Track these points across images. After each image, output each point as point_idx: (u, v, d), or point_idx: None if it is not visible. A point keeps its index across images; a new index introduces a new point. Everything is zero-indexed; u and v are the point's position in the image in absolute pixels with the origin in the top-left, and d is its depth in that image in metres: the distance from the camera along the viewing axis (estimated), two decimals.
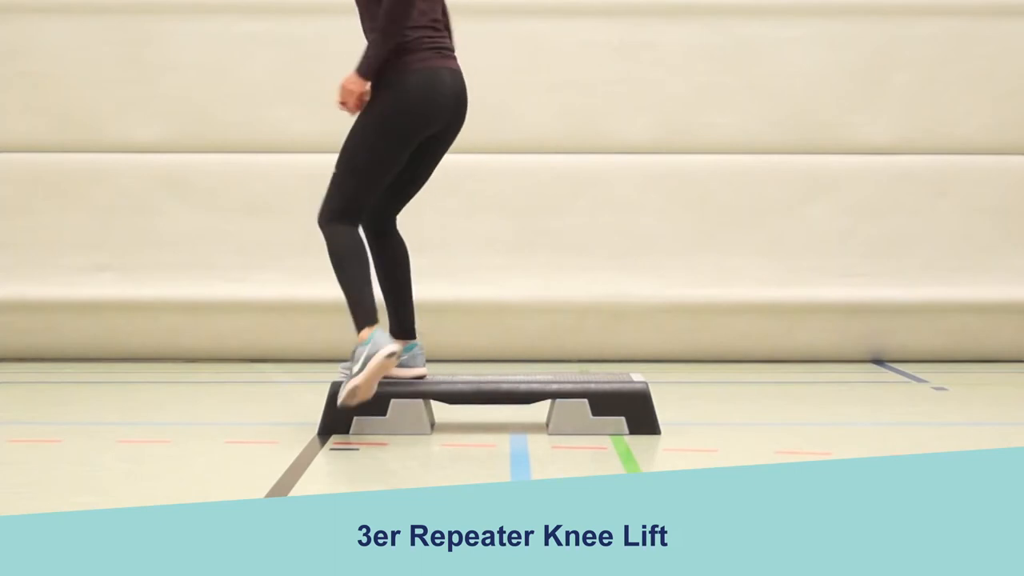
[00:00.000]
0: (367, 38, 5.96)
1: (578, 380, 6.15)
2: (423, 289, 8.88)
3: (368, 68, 5.87)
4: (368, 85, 5.91)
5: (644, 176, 8.99)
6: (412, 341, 6.14)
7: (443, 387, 6.11)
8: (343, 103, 5.99)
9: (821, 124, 8.96)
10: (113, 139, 8.91)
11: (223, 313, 8.86)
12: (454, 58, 6.00)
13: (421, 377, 6.13)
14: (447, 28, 6.04)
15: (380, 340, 5.79)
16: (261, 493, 4.87)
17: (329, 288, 8.97)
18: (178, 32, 8.92)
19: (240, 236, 8.89)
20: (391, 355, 5.78)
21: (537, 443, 5.85)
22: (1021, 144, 9.00)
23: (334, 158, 9.02)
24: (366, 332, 5.81)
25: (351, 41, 9.12)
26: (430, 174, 6.17)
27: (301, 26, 8.95)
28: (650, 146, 8.99)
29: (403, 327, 6.14)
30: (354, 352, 5.83)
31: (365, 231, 6.07)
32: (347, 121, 8.97)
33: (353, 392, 5.80)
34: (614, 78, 8.85)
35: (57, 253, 8.88)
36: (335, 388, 6.08)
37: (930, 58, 8.96)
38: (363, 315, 5.86)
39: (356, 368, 5.80)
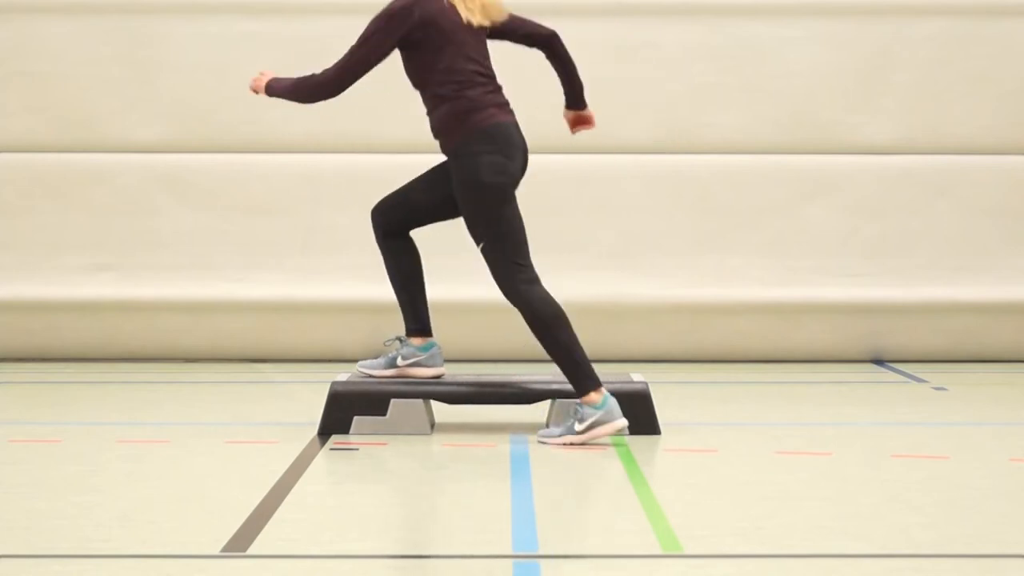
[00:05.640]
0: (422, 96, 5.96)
1: None
2: None
3: (274, 93, 5.96)
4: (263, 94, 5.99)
5: (644, 176, 8.98)
6: (430, 339, 6.14)
7: (443, 387, 6.11)
8: (253, 89, 6.03)
9: (821, 124, 8.95)
10: (113, 139, 8.90)
11: (223, 313, 8.86)
12: (512, 112, 6.02)
13: (439, 376, 6.11)
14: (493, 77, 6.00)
15: (615, 410, 5.78)
16: (261, 493, 4.86)
17: (329, 288, 9.05)
18: (178, 32, 8.92)
19: (240, 236, 8.89)
20: (623, 430, 5.79)
21: (537, 443, 5.86)
22: (1021, 144, 8.99)
23: (333, 158, 9.12)
24: (597, 396, 5.78)
25: (351, 41, 9.16)
26: (459, 216, 6.08)
27: (301, 26, 8.94)
28: (650, 146, 8.98)
29: (424, 325, 6.12)
30: (579, 411, 5.76)
31: (385, 233, 6.08)
32: (345, 123, 9.02)
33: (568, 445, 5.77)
34: (614, 78, 8.83)
35: (57, 253, 8.87)
36: (335, 388, 6.08)
37: (930, 58, 8.95)
38: (589, 377, 5.81)
39: (580, 428, 5.76)
